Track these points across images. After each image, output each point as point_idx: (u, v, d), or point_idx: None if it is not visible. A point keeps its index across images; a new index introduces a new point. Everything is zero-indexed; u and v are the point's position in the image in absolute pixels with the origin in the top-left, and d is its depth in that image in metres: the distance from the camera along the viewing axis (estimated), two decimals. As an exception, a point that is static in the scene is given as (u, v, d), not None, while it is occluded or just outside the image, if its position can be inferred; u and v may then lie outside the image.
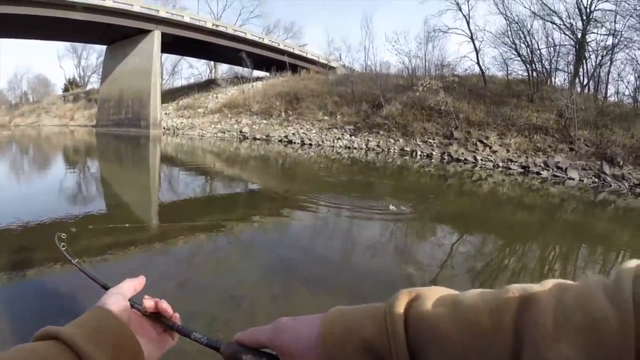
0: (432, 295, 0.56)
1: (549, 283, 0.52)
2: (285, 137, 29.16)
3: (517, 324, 0.47)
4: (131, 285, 0.78)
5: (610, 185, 15.54)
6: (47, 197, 8.89)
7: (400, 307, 0.56)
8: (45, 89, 76.67)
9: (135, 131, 34.41)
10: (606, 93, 26.87)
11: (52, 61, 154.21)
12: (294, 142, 27.90)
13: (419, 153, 22.93)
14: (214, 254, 5.79)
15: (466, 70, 32.06)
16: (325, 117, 30.44)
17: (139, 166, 16.45)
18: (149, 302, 0.80)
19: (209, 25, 38.02)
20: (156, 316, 0.81)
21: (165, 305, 0.81)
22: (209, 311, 3.88)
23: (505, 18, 28.92)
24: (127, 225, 6.66)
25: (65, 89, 69.69)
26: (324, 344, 0.59)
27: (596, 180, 16.38)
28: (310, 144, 27.20)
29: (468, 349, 0.49)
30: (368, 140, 26.11)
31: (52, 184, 10.90)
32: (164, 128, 35.70)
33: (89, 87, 69.12)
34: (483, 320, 0.49)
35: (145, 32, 35.05)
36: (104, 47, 42.54)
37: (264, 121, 32.94)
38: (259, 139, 29.76)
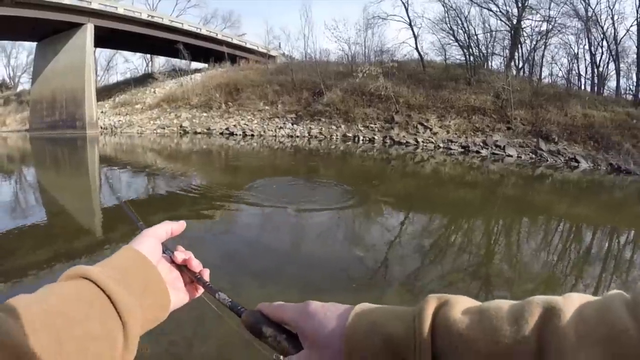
0: (460, 302, 0.56)
1: (571, 296, 0.51)
2: (227, 129, 28.63)
3: (541, 334, 0.48)
4: (168, 228, 0.75)
5: (547, 160, 15.98)
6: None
7: (429, 310, 0.55)
8: None
9: (71, 133, 32.48)
10: (540, 75, 28.08)
11: None
12: (236, 134, 27.44)
13: (361, 138, 22.99)
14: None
15: (405, 55, 32.30)
16: (266, 107, 29.93)
17: (77, 171, 15.60)
18: (180, 255, 0.76)
19: (144, 16, 36.59)
20: (185, 267, 0.77)
21: (195, 263, 0.76)
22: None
23: (443, 5, 29.36)
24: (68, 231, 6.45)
25: None
26: (348, 338, 0.57)
27: (533, 156, 16.81)
28: (252, 135, 26.85)
29: (492, 355, 0.50)
30: (310, 128, 25.94)
31: None
32: (101, 127, 34.03)
33: (19, 88, 65.07)
34: (508, 329, 0.50)
35: (77, 26, 33.11)
36: (34, 44, 40.35)
37: (204, 114, 32.10)
38: (200, 133, 29.14)
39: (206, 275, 0.77)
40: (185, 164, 15.38)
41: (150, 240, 0.70)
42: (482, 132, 20.12)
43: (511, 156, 16.85)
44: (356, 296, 4.31)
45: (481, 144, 18.76)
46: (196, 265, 0.77)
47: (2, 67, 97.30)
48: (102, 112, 37.22)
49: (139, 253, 0.65)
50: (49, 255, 5.37)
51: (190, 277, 0.77)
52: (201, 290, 0.78)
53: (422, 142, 20.42)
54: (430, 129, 21.68)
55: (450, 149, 18.81)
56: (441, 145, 19.60)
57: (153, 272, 0.65)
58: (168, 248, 0.77)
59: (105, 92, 43.64)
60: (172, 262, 0.76)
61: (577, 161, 15.74)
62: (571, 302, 0.49)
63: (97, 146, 24.35)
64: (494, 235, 6.78)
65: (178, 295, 0.73)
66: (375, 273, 4.95)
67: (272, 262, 5.20)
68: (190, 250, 0.76)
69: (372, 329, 0.56)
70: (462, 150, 18.57)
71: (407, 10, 30.51)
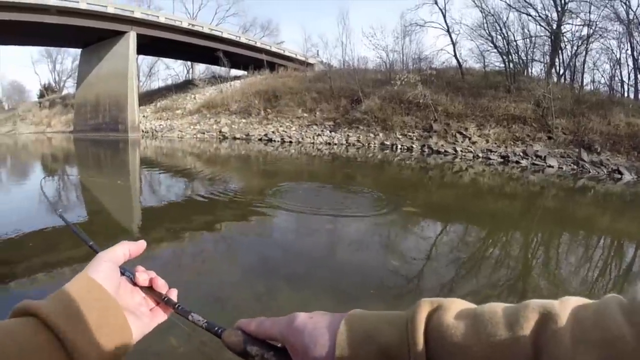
0: (454, 306, 0.56)
1: (568, 301, 0.51)
2: (265, 135, 29.00)
3: (536, 339, 0.48)
4: (126, 250, 0.69)
5: (589, 172, 15.69)
6: (20, 206, 8.70)
7: (422, 316, 0.55)
8: (20, 95, 74.89)
9: (113, 135, 33.77)
10: (582, 82, 27.20)
11: (26, 67, 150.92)
12: (274, 140, 27.73)
13: (399, 147, 22.96)
14: (196, 257, 5.67)
15: (443, 63, 32.07)
16: (305, 114, 30.28)
17: (119, 171, 16.15)
18: (142, 276, 0.72)
19: (184, 25, 37.56)
20: (150, 289, 0.72)
21: (160, 283, 0.72)
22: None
23: (481, 11, 29.12)
24: (108, 230, 6.60)
25: (41, 95, 68.06)
26: (340, 350, 0.56)
27: (575, 167, 16.53)
28: (290, 142, 27.07)
29: None
30: (348, 135, 26.06)
31: (28, 193, 10.65)
32: (143, 131, 35.17)
33: (64, 92, 67.46)
34: (503, 334, 0.49)
35: (120, 34, 34.41)
36: (79, 50, 41.82)
37: (243, 120, 32.69)
38: (238, 138, 29.58)
39: (174, 295, 0.73)
40: (223, 168, 15.70)
41: (106, 265, 0.63)
42: (522, 142, 19.88)
43: (552, 167, 16.59)
44: (388, 305, 4.29)
45: (521, 153, 18.54)
46: (162, 285, 0.73)
47: (48, 71, 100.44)
48: (143, 116, 38.33)
49: (94, 282, 0.59)
50: (87, 250, 5.59)
51: (156, 300, 0.72)
52: (170, 311, 0.73)
53: (461, 151, 20.29)
54: (469, 138, 21.55)
55: (490, 158, 18.65)
56: (480, 154, 19.44)
57: (110, 304, 0.59)
58: (127, 269, 0.73)
59: (147, 97, 44.88)
60: (135, 284, 0.71)
61: (620, 173, 15.40)
62: (567, 306, 0.50)
63: (139, 149, 25.09)
64: (532, 249, 6.66)
65: (142, 322, 0.67)
66: (408, 283, 4.94)
67: (305, 267, 5.29)
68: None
69: (364, 339, 0.56)
70: (502, 160, 18.37)
71: (444, 16, 30.43)
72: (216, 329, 0.67)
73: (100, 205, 9.28)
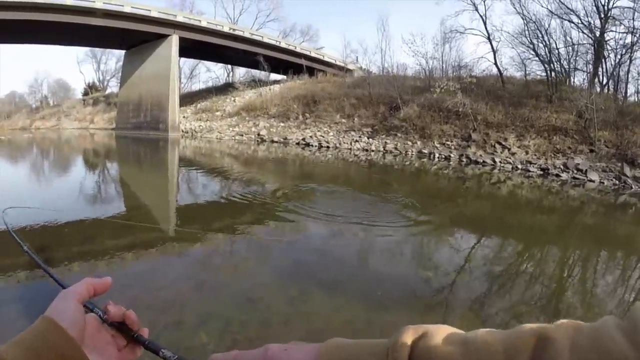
0: (440, 332, 0.53)
1: (563, 324, 0.50)
2: (303, 139, 29.34)
3: None
4: (90, 287, 0.66)
5: (631, 188, 15.37)
6: (66, 197, 9.10)
7: (406, 343, 0.53)
8: (65, 93, 77.32)
9: (154, 134, 34.87)
10: (626, 92, 26.52)
11: (72, 66, 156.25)
12: (312, 145, 28.02)
13: (436, 155, 22.89)
14: (230, 257, 5.94)
15: (484, 71, 31.85)
16: (343, 120, 30.48)
17: (158, 168, 16.71)
18: (113, 309, 0.69)
19: (225, 29, 38.30)
20: (120, 326, 0.70)
21: (134, 317, 0.70)
22: (225, 313, 3.95)
23: (522, 17, 28.69)
24: (145, 224, 6.88)
25: (85, 93, 70.26)
26: None
27: (617, 182, 16.20)
28: (328, 147, 27.32)
29: None
30: (385, 142, 26.10)
31: (72, 185, 11.14)
32: (183, 131, 36.06)
33: (108, 91, 69.64)
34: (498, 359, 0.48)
35: (163, 37, 35.45)
36: (123, 52, 43.15)
37: (282, 124, 33.11)
38: (276, 142, 29.99)
39: (145, 333, 0.71)
40: (259, 170, 15.97)
41: (69, 305, 0.60)
42: (563, 154, 19.55)
43: (593, 181, 16.31)
44: (419, 316, 4.40)
45: (561, 166, 18.26)
46: (135, 319, 0.70)
47: (92, 71, 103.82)
48: (184, 116, 39.26)
49: (56, 325, 0.56)
50: (124, 243, 5.85)
51: (127, 338, 0.70)
52: (140, 349, 0.71)
53: (500, 162, 20.12)
54: (509, 149, 21.33)
55: (529, 170, 18.44)
56: (519, 166, 19.23)
57: (73, 349, 0.55)
58: (96, 306, 0.71)
59: (187, 99, 45.95)
60: (104, 321, 0.69)
61: (664, 189, 15.04)
62: (564, 331, 0.48)
63: (178, 148, 25.88)
64: (568, 266, 6.60)
65: None
66: (439, 294, 4.96)
67: (339, 273, 5.38)
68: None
69: None
70: (541, 172, 18.13)
71: (485, 23, 30.17)
72: None
73: (138, 201, 9.74)
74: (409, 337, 0.53)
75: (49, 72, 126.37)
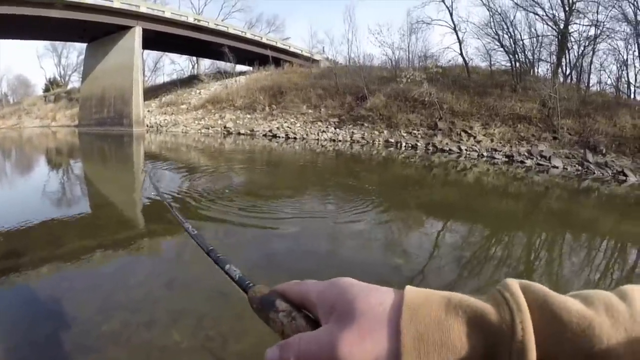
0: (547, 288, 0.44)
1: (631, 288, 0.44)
2: (270, 131, 29.02)
3: None
4: None
5: (594, 173, 15.63)
6: (27, 199, 8.74)
7: (516, 287, 0.44)
8: (25, 89, 74.73)
9: (118, 130, 33.77)
10: (589, 83, 27.08)
11: (32, 60, 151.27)
12: (279, 136, 27.78)
13: (403, 144, 22.95)
14: (200, 253, 5.68)
15: (450, 61, 32.07)
16: (310, 111, 30.25)
17: (123, 165, 16.22)
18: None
19: (190, 20, 37.56)
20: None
21: None
22: (197, 309, 3.87)
23: (488, 9, 28.97)
24: (113, 223, 6.72)
25: (46, 89, 68.02)
26: (410, 305, 0.44)
27: (580, 168, 16.46)
28: (295, 138, 27.12)
29: (613, 338, 0.40)
30: (353, 132, 26.04)
31: (35, 185, 10.71)
32: (147, 126, 35.19)
33: (70, 86, 67.39)
34: (623, 312, 0.41)
35: (126, 29, 34.38)
36: (85, 45, 41.85)
37: (248, 116, 32.69)
38: (243, 134, 29.64)
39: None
40: (227, 163, 15.69)
41: None
42: (527, 142, 19.79)
43: (557, 167, 16.53)
44: None
45: (526, 153, 18.48)
46: None
47: (53, 65, 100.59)
48: (148, 111, 38.43)
49: None
50: (93, 243, 5.68)
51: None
52: None
53: (466, 150, 20.26)
54: (474, 137, 21.49)
55: (494, 157, 18.59)
56: (485, 153, 19.40)
57: None
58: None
59: (152, 92, 45.00)
60: None
61: (625, 175, 15.26)
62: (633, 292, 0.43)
63: (143, 143, 25.15)
64: (535, 249, 6.68)
65: None
66: (410, 279, 4.89)
67: (310, 264, 5.30)
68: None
69: (447, 302, 0.43)
70: (506, 159, 18.32)
71: (451, 14, 30.38)
72: (247, 282, 0.65)
73: (103, 198, 9.37)
74: (516, 284, 0.45)
75: (9, 68, 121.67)
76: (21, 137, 32.75)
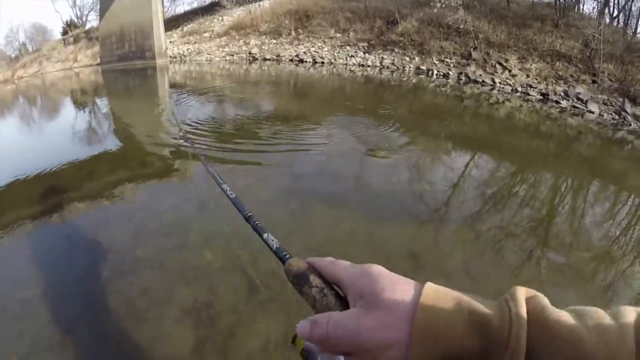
0: (547, 301, 0.53)
1: None
2: (296, 56, 28.19)
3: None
4: None
5: (630, 125, 14.87)
6: (59, 140, 9.09)
7: (521, 297, 0.52)
8: (43, 36, 73.12)
9: (141, 63, 33.04)
10: (636, 28, 25.21)
11: (46, 6, 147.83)
12: (306, 61, 27.07)
13: (435, 72, 22.21)
14: (228, 176, 5.72)
15: (488, -13, 30.23)
16: (337, 35, 29.18)
17: (149, 97, 16.28)
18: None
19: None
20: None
21: None
22: (226, 230, 4.14)
23: None
24: (143, 153, 7.20)
25: (64, 32, 66.61)
26: (427, 296, 0.53)
27: (616, 117, 15.68)
28: (323, 63, 26.45)
29: (598, 354, 0.47)
30: (382, 58, 25.22)
31: (65, 126, 10.94)
32: (171, 56, 34.27)
33: (88, 26, 65.66)
34: (612, 331, 0.48)
35: (142, -43, 33.08)
36: (98, -18, 40.49)
37: (274, 41, 31.67)
38: (269, 60, 28.90)
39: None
40: (253, 90, 15.56)
41: None
42: (565, 82, 18.90)
43: (592, 112, 15.78)
44: (416, 229, 4.75)
45: (562, 93, 17.69)
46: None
47: (68, 7, 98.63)
48: (170, 41, 37.57)
49: None
50: (123, 176, 5.82)
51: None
52: None
53: (499, 83, 19.50)
54: (510, 70, 20.65)
55: (528, 94, 17.87)
56: (519, 89, 18.64)
57: None
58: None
59: (172, 22, 44.00)
60: None
61: (664, 130, 14.50)
62: None
63: (167, 74, 25.20)
64: (559, 194, 6.69)
65: None
66: (435, 209, 5.22)
67: (339, 189, 5.62)
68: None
69: (457, 303, 0.51)
70: (541, 97, 17.61)
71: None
72: (284, 254, 0.69)
73: (130, 133, 9.64)
74: (522, 293, 0.53)
75: (24, 18, 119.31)
76: (44, 83, 32.60)
